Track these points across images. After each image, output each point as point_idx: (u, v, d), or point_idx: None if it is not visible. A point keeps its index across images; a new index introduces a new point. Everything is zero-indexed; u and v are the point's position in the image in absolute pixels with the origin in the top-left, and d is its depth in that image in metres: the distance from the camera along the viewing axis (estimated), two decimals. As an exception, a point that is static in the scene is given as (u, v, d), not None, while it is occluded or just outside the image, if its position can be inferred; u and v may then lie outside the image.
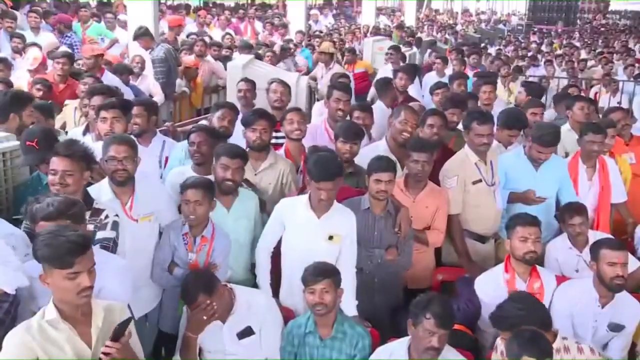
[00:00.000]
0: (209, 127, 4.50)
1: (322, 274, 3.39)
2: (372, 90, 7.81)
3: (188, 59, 8.92)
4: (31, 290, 2.79)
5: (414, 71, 7.82)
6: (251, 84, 5.96)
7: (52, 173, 3.24)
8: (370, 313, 3.85)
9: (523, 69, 11.31)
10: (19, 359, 2.39)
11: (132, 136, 4.01)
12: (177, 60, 8.44)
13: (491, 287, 3.81)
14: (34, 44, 7.61)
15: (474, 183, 4.47)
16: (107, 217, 3.29)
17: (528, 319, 3.14)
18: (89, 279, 2.42)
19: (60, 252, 2.37)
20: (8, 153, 3.67)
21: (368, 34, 15.33)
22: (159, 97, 7.54)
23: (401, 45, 11.17)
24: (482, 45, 16.89)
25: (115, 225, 3.30)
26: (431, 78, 8.80)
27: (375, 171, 3.88)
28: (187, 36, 10.58)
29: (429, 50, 12.99)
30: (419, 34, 16.48)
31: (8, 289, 2.65)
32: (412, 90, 7.67)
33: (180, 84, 8.35)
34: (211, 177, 3.91)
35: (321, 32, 14.57)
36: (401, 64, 8.89)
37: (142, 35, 7.99)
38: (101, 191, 3.56)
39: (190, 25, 13.11)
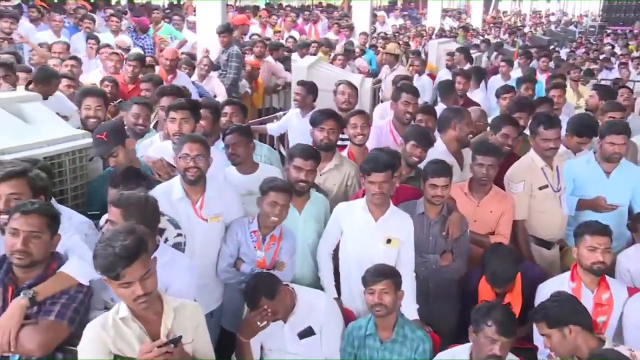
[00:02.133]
0: (244, 127, 4.53)
1: (382, 274, 3.39)
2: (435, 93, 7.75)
3: (249, 59, 9.08)
4: (103, 281, 2.88)
5: (478, 74, 7.71)
6: (306, 87, 5.98)
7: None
8: (426, 319, 3.81)
9: (595, 72, 10.95)
10: (94, 352, 2.48)
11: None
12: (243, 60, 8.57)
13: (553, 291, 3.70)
14: (107, 45, 7.90)
15: (540, 188, 4.37)
16: (166, 240, 3.27)
17: (561, 309, 3.07)
18: (141, 288, 2.42)
19: (106, 264, 2.39)
20: (84, 150, 3.81)
21: (433, 36, 15.19)
22: (222, 98, 7.68)
23: (468, 48, 11.02)
24: (552, 47, 16.45)
25: (177, 247, 3.29)
26: (496, 81, 8.65)
27: (431, 176, 3.85)
28: (250, 37, 10.74)
29: (494, 53, 12.77)
30: (485, 36, 16.22)
31: (83, 281, 2.76)
32: (478, 94, 7.56)
33: (245, 84, 8.49)
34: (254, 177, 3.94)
35: (386, 33, 14.51)
36: (467, 66, 8.77)
37: (225, 31, 8.12)
38: (172, 189, 3.63)
39: (255, 27, 13.32)
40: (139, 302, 2.45)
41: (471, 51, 10.83)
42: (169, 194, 3.56)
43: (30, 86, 5.42)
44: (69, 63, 6.31)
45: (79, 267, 2.77)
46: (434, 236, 3.93)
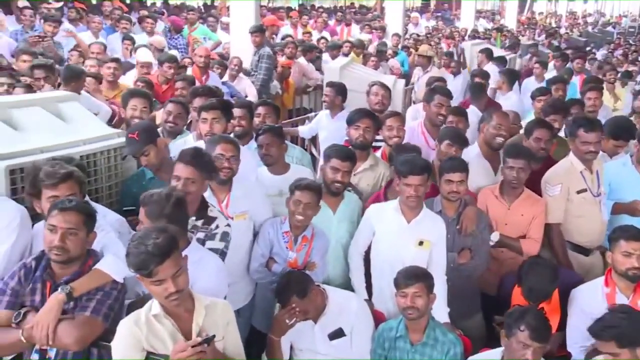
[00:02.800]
0: (277, 127, 4.55)
1: (415, 277, 3.38)
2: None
3: (281, 59, 9.12)
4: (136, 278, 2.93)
5: (511, 77, 7.63)
6: (335, 88, 5.97)
7: (176, 179, 3.33)
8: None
9: (633, 74, 10.72)
10: (127, 348, 2.52)
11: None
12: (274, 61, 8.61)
13: (590, 298, 3.64)
14: (144, 46, 8.03)
15: (579, 192, 4.28)
16: (217, 227, 3.37)
17: (633, 328, 2.99)
18: (173, 285, 2.46)
19: (139, 262, 2.44)
20: (119, 149, 3.88)
21: (466, 37, 15.07)
22: (253, 98, 7.73)
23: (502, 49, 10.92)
24: (588, 49, 16.16)
25: (224, 236, 3.37)
26: (530, 83, 8.56)
27: (447, 171, 3.85)
28: (282, 38, 10.80)
29: (528, 55, 12.61)
30: (519, 38, 16.02)
31: (117, 278, 2.81)
32: (511, 96, 7.48)
33: (276, 85, 8.54)
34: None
35: (418, 35, 14.44)
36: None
37: (257, 31, 8.18)
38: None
39: (287, 27, 13.37)
40: (171, 299, 2.49)
41: (504, 53, 10.72)
42: None
43: (61, 86, 5.55)
44: (111, 65, 6.42)
45: (114, 265, 2.82)
46: (451, 234, 3.91)
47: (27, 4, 9.44)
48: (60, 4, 10.40)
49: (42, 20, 8.40)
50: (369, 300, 3.82)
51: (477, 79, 7.17)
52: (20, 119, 3.67)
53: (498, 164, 4.52)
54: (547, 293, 3.68)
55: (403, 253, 3.70)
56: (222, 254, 3.35)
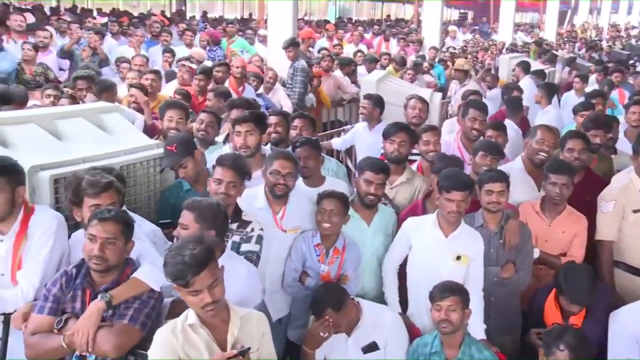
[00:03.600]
0: (315, 140, 4.57)
1: (450, 291, 3.35)
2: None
3: (315, 71, 9.21)
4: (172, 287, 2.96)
5: (550, 91, 7.52)
6: (373, 101, 5.98)
7: (217, 182, 3.42)
8: (486, 334, 3.71)
9: (679, 89, 10.44)
10: (164, 357, 2.54)
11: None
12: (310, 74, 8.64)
13: (633, 320, 3.51)
14: (186, 59, 8.17)
15: (635, 211, 4.13)
16: (252, 230, 3.42)
17: None
18: (209, 296, 2.48)
19: (176, 272, 2.47)
20: (157, 159, 3.94)
21: (504, 51, 14.94)
22: (288, 110, 7.77)
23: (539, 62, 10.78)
24: (631, 62, 15.83)
25: (259, 239, 3.41)
26: (570, 97, 8.43)
27: (487, 182, 3.81)
28: (319, 51, 10.86)
29: (567, 68, 12.43)
30: (559, 51, 15.80)
31: (154, 287, 2.85)
32: (550, 111, 7.38)
33: (311, 97, 8.59)
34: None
35: (455, 48, 14.38)
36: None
37: (292, 44, 8.26)
38: (257, 198, 3.74)
39: (322, 40, 13.45)
40: (207, 310, 2.51)
41: (543, 66, 10.58)
42: (252, 202, 3.67)
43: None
44: (149, 77, 6.56)
45: (151, 274, 2.86)
46: (494, 248, 3.86)
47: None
48: (105, 19, 10.70)
49: (87, 35, 8.66)
50: (403, 314, 3.79)
51: (514, 93, 7.08)
52: (65, 129, 3.78)
53: (542, 179, 4.45)
54: (590, 296, 3.58)
55: (440, 267, 3.67)
56: (258, 256, 3.39)
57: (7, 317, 2.97)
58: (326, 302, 3.35)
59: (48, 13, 14.37)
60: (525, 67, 9.60)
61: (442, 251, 3.69)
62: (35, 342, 2.74)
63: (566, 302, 3.59)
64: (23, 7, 17.54)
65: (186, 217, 3.04)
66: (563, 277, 3.60)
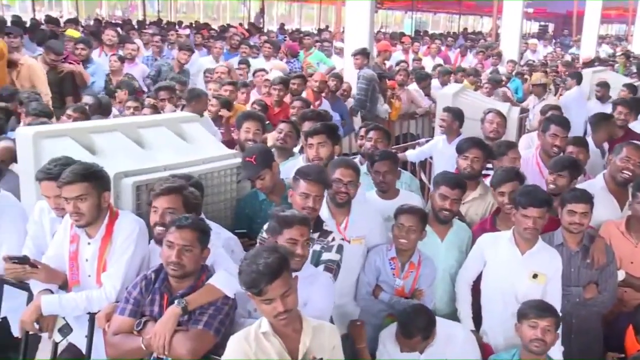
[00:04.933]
0: (394, 154, 4.54)
1: (549, 311, 3.28)
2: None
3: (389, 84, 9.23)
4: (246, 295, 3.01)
5: (638, 105, 7.19)
6: (452, 113, 5.91)
7: (304, 197, 3.42)
8: (566, 356, 3.62)
9: None
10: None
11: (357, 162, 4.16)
12: (383, 85, 8.62)
13: None
14: (262, 70, 8.35)
15: None
16: (333, 239, 3.44)
17: None
18: (282, 305, 2.49)
19: (250, 280, 2.50)
20: (235, 169, 4.02)
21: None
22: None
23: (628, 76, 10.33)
24: None
25: (340, 249, 3.43)
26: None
27: (569, 202, 3.70)
28: (397, 64, 10.83)
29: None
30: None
31: (229, 293, 2.91)
32: (636, 126, 7.06)
33: (386, 109, 8.57)
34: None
35: (533, 61, 14.02)
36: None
37: (359, 53, 8.30)
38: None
39: (399, 53, 13.41)
40: (280, 319, 2.53)
41: (632, 80, 10.14)
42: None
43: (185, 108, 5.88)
44: (227, 88, 6.74)
45: (226, 281, 2.92)
46: (575, 267, 3.76)
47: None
48: (187, 31, 11.09)
49: (169, 46, 8.99)
50: (476, 332, 3.72)
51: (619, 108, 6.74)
52: (147, 138, 3.91)
53: (624, 198, 4.27)
54: None
55: (516, 285, 3.60)
56: (338, 266, 3.39)
57: (92, 316, 3.11)
58: (417, 328, 3.34)
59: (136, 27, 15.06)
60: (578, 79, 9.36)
61: (518, 269, 3.62)
62: (117, 342, 2.86)
63: None
64: (113, 21, 18.49)
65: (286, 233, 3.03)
66: None
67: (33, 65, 6.91)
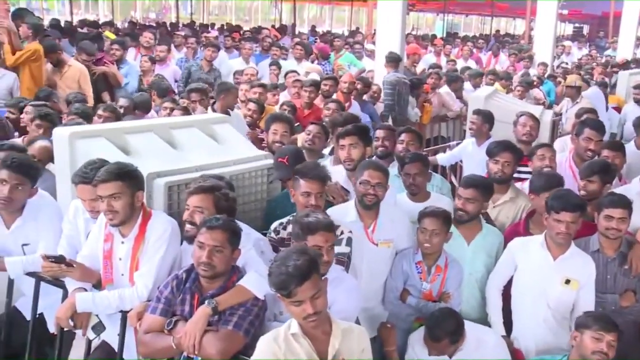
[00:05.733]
0: (425, 157, 4.52)
1: (615, 326, 3.22)
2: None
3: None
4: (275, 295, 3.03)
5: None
6: (482, 116, 5.86)
7: (305, 195, 3.48)
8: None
9: None
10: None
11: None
12: (414, 88, 8.58)
13: None
14: (293, 71, 8.38)
15: None
16: (342, 232, 3.44)
17: None
18: (311, 307, 2.49)
19: (279, 282, 2.50)
20: (266, 170, 4.04)
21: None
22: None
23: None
24: None
25: (349, 241, 3.43)
26: None
27: (607, 207, 3.62)
28: (429, 67, 10.77)
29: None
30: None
31: (259, 295, 2.93)
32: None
33: (417, 112, 8.54)
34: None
35: (567, 63, 13.82)
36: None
37: (389, 60, 8.30)
38: (347, 212, 3.74)
39: (430, 55, 13.35)
40: (309, 321, 2.53)
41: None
42: (343, 216, 3.67)
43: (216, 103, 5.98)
44: (257, 90, 6.78)
45: (256, 282, 2.94)
46: (612, 274, 3.69)
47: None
48: (215, 33, 11.21)
49: (202, 48, 9.10)
50: (506, 337, 3.68)
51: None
52: (179, 139, 3.97)
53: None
54: None
55: (548, 291, 3.55)
56: (349, 258, 3.39)
57: (124, 315, 3.15)
58: (445, 331, 3.33)
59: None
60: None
61: (549, 274, 3.57)
62: (148, 341, 2.90)
63: None
64: (147, 24, 18.79)
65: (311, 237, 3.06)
66: None
67: (81, 68, 7.17)
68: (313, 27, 23.67)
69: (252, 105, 6.29)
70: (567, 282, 3.55)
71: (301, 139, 5.13)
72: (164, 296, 2.95)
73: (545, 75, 11.51)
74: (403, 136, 4.95)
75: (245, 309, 2.90)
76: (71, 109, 5.36)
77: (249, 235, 3.35)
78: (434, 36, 17.50)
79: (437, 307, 3.58)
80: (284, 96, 7.65)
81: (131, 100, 6.50)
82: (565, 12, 22.77)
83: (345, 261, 3.38)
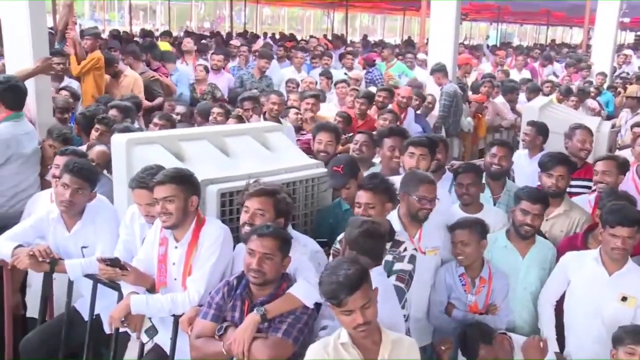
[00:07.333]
0: (479, 167, 4.46)
1: None
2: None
3: (474, 95, 9.14)
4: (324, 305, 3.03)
5: None
6: (536, 128, 5.74)
7: (357, 206, 3.50)
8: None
9: None
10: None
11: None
12: (465, 98, 8.50)
13: None
14: (344, 81, 8.42)
15: None
16: (405, 249, 3.43)
17: None
18: (362, 316, 2.49)
19: (330, 291, 2.52)
20: (317, 179, 4.07)
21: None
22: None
23: None
24: None
25: (412, 259, 3.41)
26: None
27: None
28: (483, 77, 10.65)
29: None
30: None
31: (308, 303, 2.95)
32: None
33: (470, 122, 8.44)
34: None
35: (628, 74, 13.40)
36: None
37: (437, 70, 8.26)
38: (391, 222, 3.70)
39: (485, 65, 13.17)
40: (359, 330, 2.53)
41: None
42: None
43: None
44: (310, 102, 6.80)
45: (306, 290, 2.96)
46: None
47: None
48: (261, 42, 11.41)
49: (254, 58, 9.24)
50: (559, 353, 3.61)
51: None
52: (232, 146, 4.03)
53: None
54: None
55: (603, 308, 3.46)
56: (410, 276, 3.37)
57: (176, 319, 3.21)
58: (476, 339, 3.29)
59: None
60: None
61: (604, 290, 3.48)
62: (200, 346, 2.95)
63: None
64: (202, 32, 19.21)
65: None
66: None
67: (135, 77, 7.54)
68: (365, 36, 23.71)
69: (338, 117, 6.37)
70: (624, 299, 3.45)
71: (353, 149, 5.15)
72: (215, 302, 3.00)
73: (604, 86, 11.22)
74: (494, 149, 4.78)
75: (295, 317, 2.92)
76: (53, 135, 4.99)
77: (306, 246, 3.39)
78: (495, 46, 17.25)
79: (485, 319, 3.54)
80: (325, 107, 7.64)
81: (188, 107, 6.64)
82: (627, 20, 22.10)
83: (406, 279, 3.35)
